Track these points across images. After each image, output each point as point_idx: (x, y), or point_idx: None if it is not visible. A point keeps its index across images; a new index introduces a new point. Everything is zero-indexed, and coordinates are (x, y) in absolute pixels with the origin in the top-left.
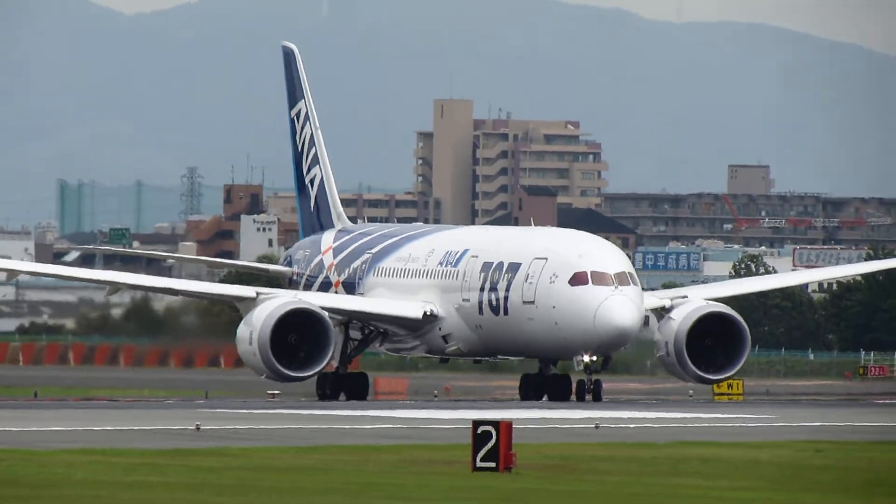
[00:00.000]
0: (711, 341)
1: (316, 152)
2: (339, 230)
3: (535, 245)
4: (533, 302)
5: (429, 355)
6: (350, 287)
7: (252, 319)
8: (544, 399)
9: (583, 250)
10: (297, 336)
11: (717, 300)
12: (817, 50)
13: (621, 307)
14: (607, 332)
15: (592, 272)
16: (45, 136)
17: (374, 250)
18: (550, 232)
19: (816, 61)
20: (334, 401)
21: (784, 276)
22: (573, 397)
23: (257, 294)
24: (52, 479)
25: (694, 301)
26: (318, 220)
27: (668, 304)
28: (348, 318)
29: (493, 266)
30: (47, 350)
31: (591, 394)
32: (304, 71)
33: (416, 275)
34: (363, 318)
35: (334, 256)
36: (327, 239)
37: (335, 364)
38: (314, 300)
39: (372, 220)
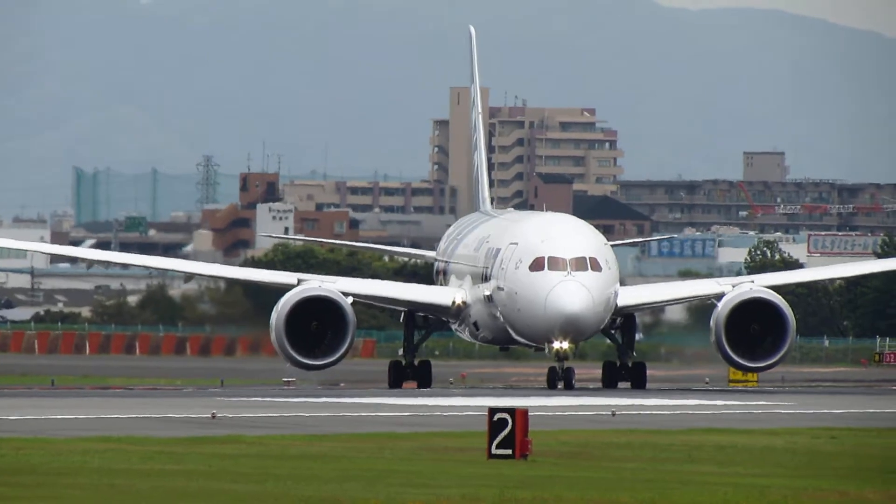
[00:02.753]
0: (757, 328)
1: (476, 137)
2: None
3: (517, 230)
4: (503, 288)
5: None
6: (443, 273)
7: (277, 307)
8: (620, 386)
9: (547, 235)
10: (319, 324)
11: (777, 287)
12: (833, 36)
13: (570, 293)
14: (557, 318)
15: (550, 257)
16: (61, 125)
17: (459, 237)
18: (541, 217)
19: (832, 48)
20: (397, 389)
21: (858, 265)
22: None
23: (298, 281)
24: (68, 467)
25: (743, 287)
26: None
27: (728, 290)
28: (408, 308)
29: (492, 252)
30: (63, 339)
31: (562, 381)
32: (475, 54)
33: (466, 261)
34: (395, 305)
35: (447, 242)
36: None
37: (400, 353)
38: (349, 286)
39: (388, 208)
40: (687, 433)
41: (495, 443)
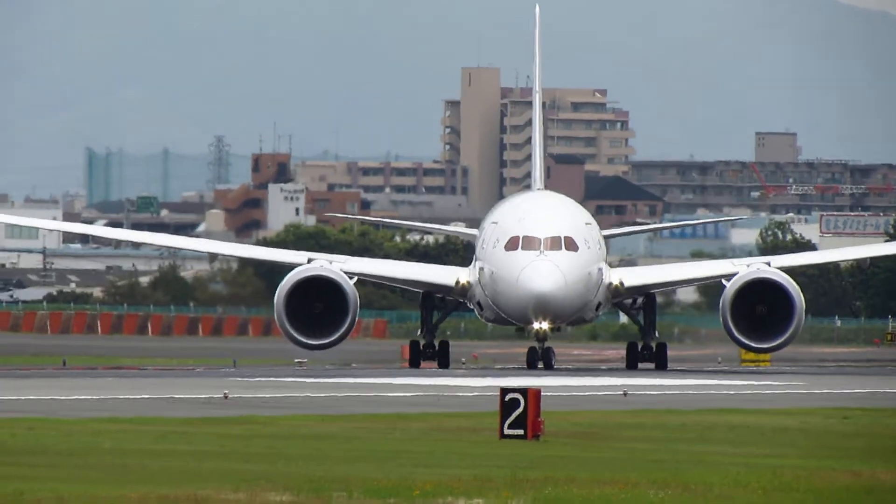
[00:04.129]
0: (765, 308)
1: (535, 117)
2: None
3: (501, 209)
4: (484, 269)
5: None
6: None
7: (279, 287)
8: (641, 367)
9: (525, 214)
10: (322, 303)
11: (784, 268)
12: (845, 16)
13: (540, 273)
14: (528, 298)
15: (524, 237)
16: (72, 106)
17: (490, 216)
18: (525, 196)
19: (844, 28)
20: (415, 368)
21: (873, 247)
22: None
23: (308, 260)
24: (80, 447)
25: (752, 267)
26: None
27: (742, 270)
28: (413, 287)
29: (482, 232)
30: (76, 319)
31: (541, 361)
32: (538, 33)
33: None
34: (399, 284)
35: (484, 221)
36: None
37: (420, 333)
38: (357, 266)
39: (399, 189)
40: (699, 413)
41: (507, 423)
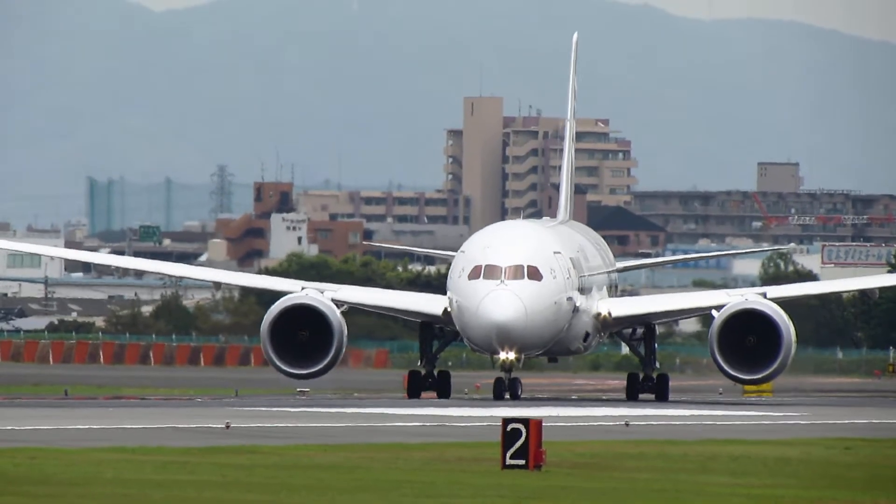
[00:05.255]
0: (754, 339)
1: (568, 148)
2: None
3: (472, 237)
4: (451, 298)
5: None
6: None
7: (264, 316)
8: (641, 398)
9: (490, 243)
10: (309, 332)
11: (778, 300)
12: (846, 47)
13: (499, 303)
14: (488, 328)
15: (486, 266)
16: (74, 134)
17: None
18: (498, 225)
19: (845, 58)
20: (416, 398)
21: (872, 279)
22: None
23: (302, 288)
24: (82, 477)
25: (740, 298)
26: None
27: (731, 301)
28: (402, 316)
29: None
30: (77, 349)
31: (508, 392)
32: (573, 62)
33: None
34: (390, 312)
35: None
36: None
37: (420, 363)
38: (346, 295)
39: (402, 218)
40: (701, 444)
41: (509, 453)
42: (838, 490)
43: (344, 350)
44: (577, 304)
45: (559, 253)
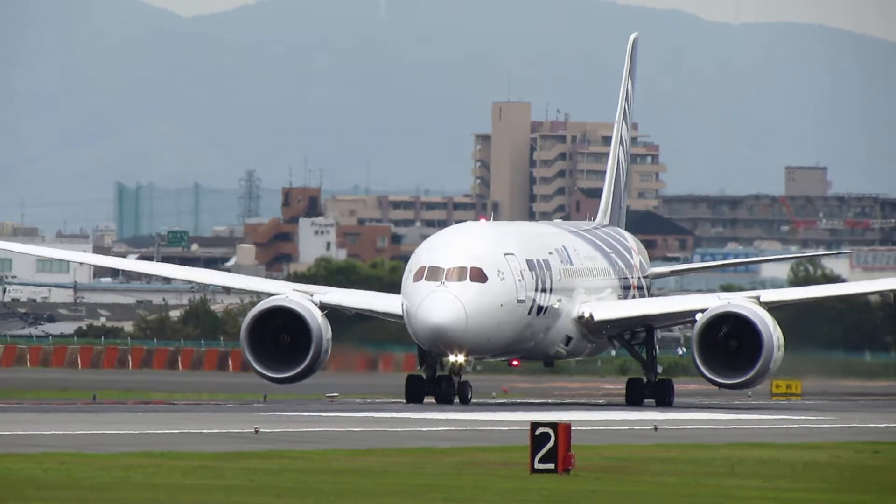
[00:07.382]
0: (735, 343)
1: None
2: None
3: (430, 239)
4: (402, 301)
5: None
6: None
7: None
8: (646, 402)
9: (437, 244)
10: (290, 336)
11: (774, 304)
12: (875, 50)
13: (436, 304)
14: (427, 330)
15: (430, 267)
16: (102, 140)
17: None
18: (456, 226)
19: (874, 62)
20: (417, 403)
21: (847, 285)
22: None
23: (293, 291)
24: (111, 481)
25: (723, 301)
26: None
27: (715, 304)
28: (398, 318)
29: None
30: (106, 354)
31: (457, 396)
32: (629, 61)
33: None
34: (378, 315)
35: None
36: None
37: (419, 367)
38: (334, 298)
39: (430, 223)
40: (729, 447)
41: (538, 457)
42: (868, 494)
43: (325, 353)
44: (543, 305)
45: (511, 254)
